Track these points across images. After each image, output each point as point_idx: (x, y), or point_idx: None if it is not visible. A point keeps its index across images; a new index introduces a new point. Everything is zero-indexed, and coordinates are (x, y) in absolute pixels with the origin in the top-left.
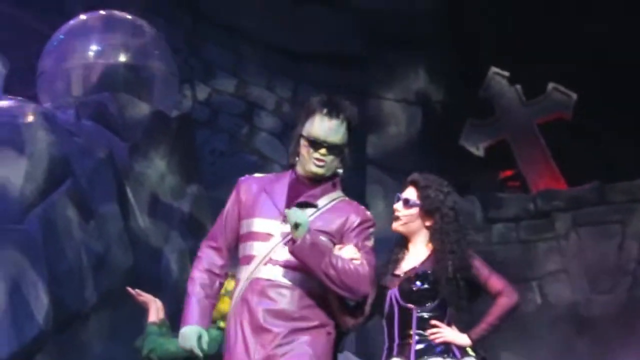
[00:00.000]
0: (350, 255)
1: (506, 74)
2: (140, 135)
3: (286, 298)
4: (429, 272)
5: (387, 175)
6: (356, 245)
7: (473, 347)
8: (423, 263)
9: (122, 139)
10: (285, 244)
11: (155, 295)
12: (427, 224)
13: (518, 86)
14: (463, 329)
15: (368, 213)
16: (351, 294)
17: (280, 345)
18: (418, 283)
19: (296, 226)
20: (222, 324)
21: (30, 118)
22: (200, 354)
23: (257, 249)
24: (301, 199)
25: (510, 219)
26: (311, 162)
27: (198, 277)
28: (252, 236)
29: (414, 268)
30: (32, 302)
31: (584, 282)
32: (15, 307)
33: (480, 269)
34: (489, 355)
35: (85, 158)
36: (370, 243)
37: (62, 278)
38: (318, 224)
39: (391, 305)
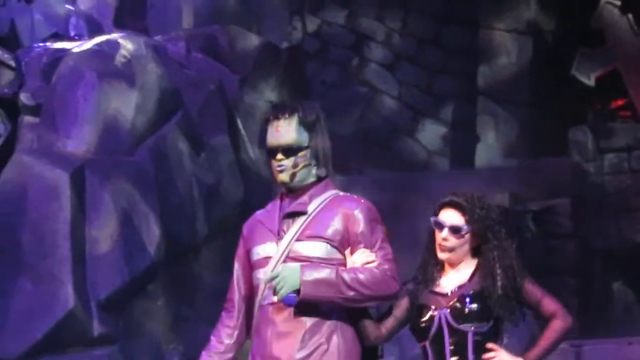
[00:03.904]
0: (362, 260)
1: (618, 3)
2: (250, 67)
3: (292, 319)
4: (482, 290)
5: (498, 105)
6: (366, 245)
7: None
8: (471, 280)
9: (232, 71)
10: (284, 261)
11: None
12: (475, 244)
13: (630, 15)
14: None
15: (363, 201)
16: (382, 301)
17: None
18: (473, 304)
19: (285, 280)
20: None
21: (141, 50)
22: None
23: (259, 276)
24: (288, 210)
25: (622, 148)
26: (275, 171)
27: (210, 337)
28: (255, 265)
29: (464, 286)
30: (143, 233)
31: None
32: (127, 238)
33: (533, 290)
34: (598, 286)
35: (195, 90)
36: (379, 234)
37: (174, 210)
38: (312, 230)
39: (440, 326)
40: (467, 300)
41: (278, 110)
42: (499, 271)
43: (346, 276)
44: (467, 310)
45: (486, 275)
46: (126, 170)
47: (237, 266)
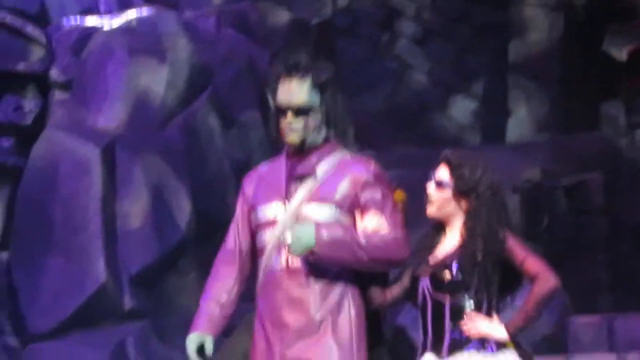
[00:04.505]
0: (373, 225)
1: None
2: (280, 43)
3: (302, 284)
4: (460, 259)
5: (529, 81)
6: (377, 210)
7: (512, 340)
8: (456, 250)
9: (262, 47)
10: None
11: None
12: (463, 206)
13: None
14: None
15: (373, 165)
16: (390, 266)
17: (301, 339)
18: (449, 272)
19: (300, 241)
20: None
21: (171, 27)
22: None
23: (266, 238)
24: (297, 172)
25: None
26: (285, 131)
27: (207, 289)
28: (260, 227)
29: (446, 256)
30: (174, 209)
31: None
32: (157, 214)
33: (515, 250)
34: (630, 261)
35: (226, 66)
36: (388, 198)
37: (204, 185)
38: (320, 193)
39: (424, 296)
40: (446, 269)
41: (292, 69)
42: (480, 239)
43: (359, 239)
44: (444, 278)
45: (466, 243)
46: (157, 146)
47: (238, 219)
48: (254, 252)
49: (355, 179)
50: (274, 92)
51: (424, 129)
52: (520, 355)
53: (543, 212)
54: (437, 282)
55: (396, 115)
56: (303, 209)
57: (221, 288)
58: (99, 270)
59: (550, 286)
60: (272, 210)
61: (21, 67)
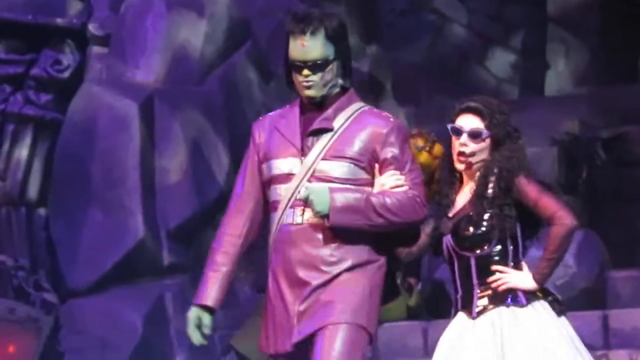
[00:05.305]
0: (392, 183)
1: None
2: None
3: (318, 241)
4: (475, 211)
5: (568, 32)
6: (397, 167)
7: (541, 288)
8: (471, 200)
9: None
10: (309, 180)
11: None
12: (494, 152)
13: None
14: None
15: (392, 119)
16: (409, 226)
17: (318, 297)
18: (471, 228)
19: (314, 205)
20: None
21: None
22: (196, 342)
23: (280, 192)
24: (314, 127)
25: None
26: (301, 86)
27: (212, 251)
28: (273, 180)
29: (464, 208)
30: (213, 163)
31: None
32: (196, 168)
33: (529, 190)
34: None
35: (265, 18)
36: (407, 154)
37: (243, 139)
38: (338, 149)
39: (449, 253)
40: (464, 223)
41: (304, 24)
42: (492, 177)
43: (375, 203)
44: (465, 234)
45: (478, 193)
46: (195, 100)
47: (247, 166)
48: (266, 203)
49: (375, 134)
50: (286, 47)
51: (462, 82)
52: (550, 303)
53: (582, 165)
54: (459, 239)
55: (435, 69)
56: (320, 165)
57: (225, 250)
58: (138, 225)
59: (568, 226)
60: (288, 164)
61: (59, 21)
